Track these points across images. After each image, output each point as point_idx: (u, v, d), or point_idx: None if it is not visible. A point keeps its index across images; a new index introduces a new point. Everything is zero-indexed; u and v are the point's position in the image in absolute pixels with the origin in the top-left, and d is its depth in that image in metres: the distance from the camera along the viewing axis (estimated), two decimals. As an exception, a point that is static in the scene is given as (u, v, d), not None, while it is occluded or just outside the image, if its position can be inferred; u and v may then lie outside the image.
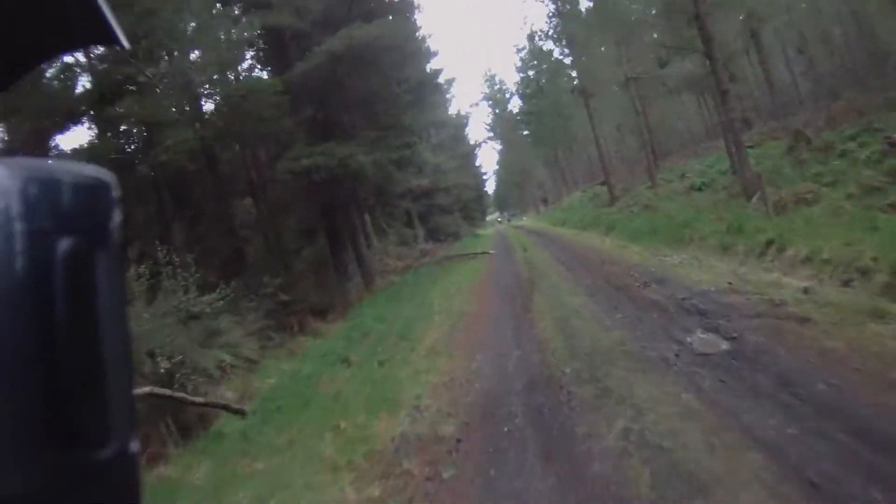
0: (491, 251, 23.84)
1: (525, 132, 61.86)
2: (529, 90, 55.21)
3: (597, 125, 42.27)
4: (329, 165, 15.28)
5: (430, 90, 21.27)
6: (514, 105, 64.18)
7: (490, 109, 66.74)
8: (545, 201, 63.03)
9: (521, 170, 67.59)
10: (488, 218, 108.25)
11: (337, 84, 16.65)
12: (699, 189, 17.40)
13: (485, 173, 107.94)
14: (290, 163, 15.77)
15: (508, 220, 68.60)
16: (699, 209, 14.61)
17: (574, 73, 36.29)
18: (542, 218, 49.51)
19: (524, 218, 66.30)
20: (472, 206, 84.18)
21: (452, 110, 52.73)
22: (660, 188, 20.76)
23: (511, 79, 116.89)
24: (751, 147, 17.05)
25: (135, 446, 0.42)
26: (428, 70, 21.28)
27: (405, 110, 18.49)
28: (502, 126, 65.00)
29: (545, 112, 52.60)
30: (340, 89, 16.90)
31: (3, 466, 0.36)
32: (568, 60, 37.86)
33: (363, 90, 16.98)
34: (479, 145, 58.15)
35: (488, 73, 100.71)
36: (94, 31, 0.67)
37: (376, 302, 16.27)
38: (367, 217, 29.76)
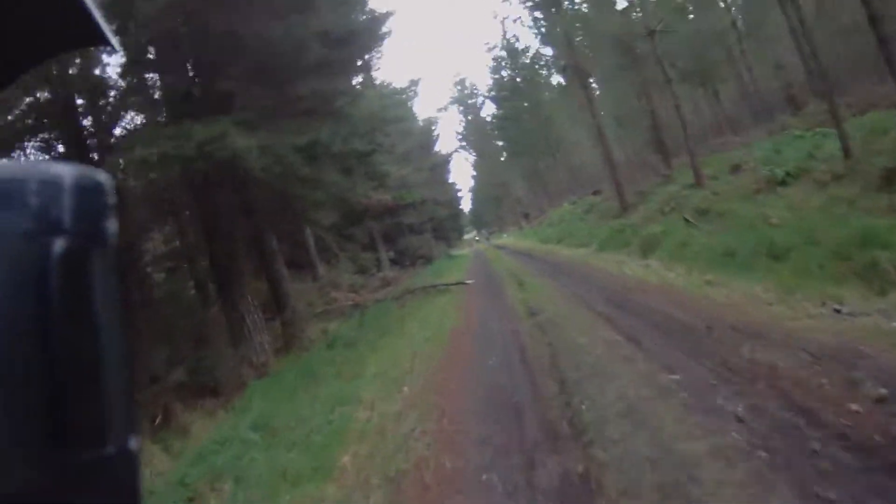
0: (468, 281, 17.46)
1: (500, 142, 55.95)
2: (504, 92, 49.33)
3: (594, 115, 36.51)
4: (183, 155, 8.84)
5: (367, 40, 14.78)
6: (488, 111, 58.41)
7: (461, 116, 60.78)
8: (526, 216, 57.01)
9: (497, 183, 61.54)
10: (466, 237, 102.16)
11: (212, 37, 10.33)
12: (782, 182, 11.25)
13: (459, 190, 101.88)
14: (124, 154, 9.36)
15: (487, 239, 62.41)
16: (831, 214, 8.33)
17: (556, 59, 30.41)
18: (525, 235, 43.33)
19: (504, 235, 60.24)
20: (446, 224, 78.27)
21: (419, 115, 46.56)
22: (709, 186, 14.54)
23: (483, 82, 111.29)
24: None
25: (134, 444, 0.42)
26: (363, 15, 14.63)
27: (327, 74, 12.02)
28: (475, 134, 59.05)
29: (523, 114, 46.71)
30: (221, 45, 10.56)
31: (2, 465, 0.37)
32: (549, 51, 31.98)
33: (254, 43, 10.55)
34: (449, 156, 51.96)
35: (458, 78, 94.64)
36: (85, 33, 0.68)
37: (280, 381, 9.81)
38: (309, 240, 23.24)
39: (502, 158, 59.79)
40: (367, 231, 32.99)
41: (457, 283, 16.64)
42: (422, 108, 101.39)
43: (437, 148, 50.72)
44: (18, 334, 0.37)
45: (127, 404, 0.42)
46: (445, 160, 50.30)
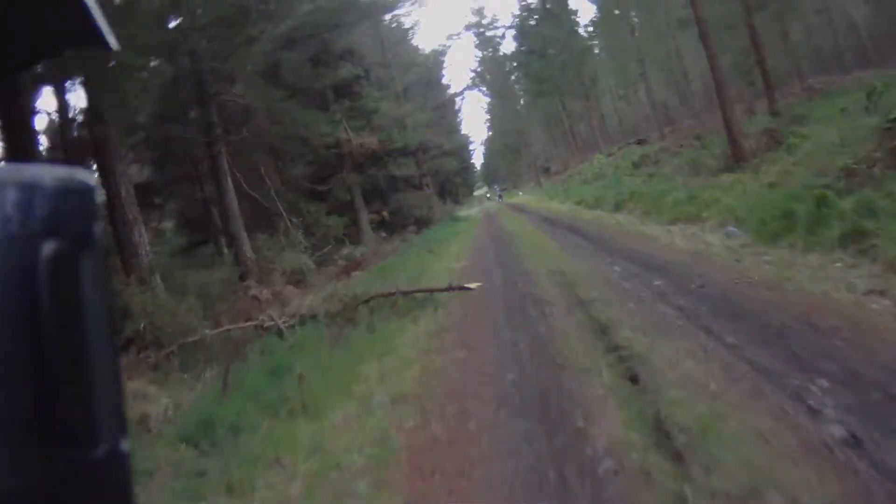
0: (471, 285, 9.42)
1: (521, 82, 47.49)
2: (532, 20, 40.77)
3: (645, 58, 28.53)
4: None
5: None
6: (509, 48, 49.74)
7: (477, 50, 52.01)
8: (546, 171, 48.91)
9: (515, 131, 53.19)
10: (475, 193, 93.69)
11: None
12: None
13: (472, 142, 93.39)
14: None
15: (500, 197, 54.45)
16: None
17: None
18: (547, 193, 35.32)
19: (520, 193, 52.28)
20: (454, 179, 70.45)
21: (421, 46, 38.14)
22: None
23: (505, 13, 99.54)
24: None
25: (125, 445, 0.43)
26: None
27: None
28: (493, 73, 50.51)
29: (551, 45, 38.24)
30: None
31: None
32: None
33: None
34: (459, 95, 43.64)
35: (476, 4, 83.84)
36: (84, 34, 0.67)
37: None
38: (232, 202, 15.45)
39: (521, 104, 51.36)
40: (348, 187, 25.34)
41: (448, 290, 8.91)
42: (427, 37, 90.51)
43: (445, 84, 42.62)
44: (8, 336, 0.38)
45: (117, 406, 0.43)
46: (454, 99, 42.10)
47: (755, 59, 16.90)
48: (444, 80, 43.13)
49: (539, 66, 39.98)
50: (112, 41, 0.69)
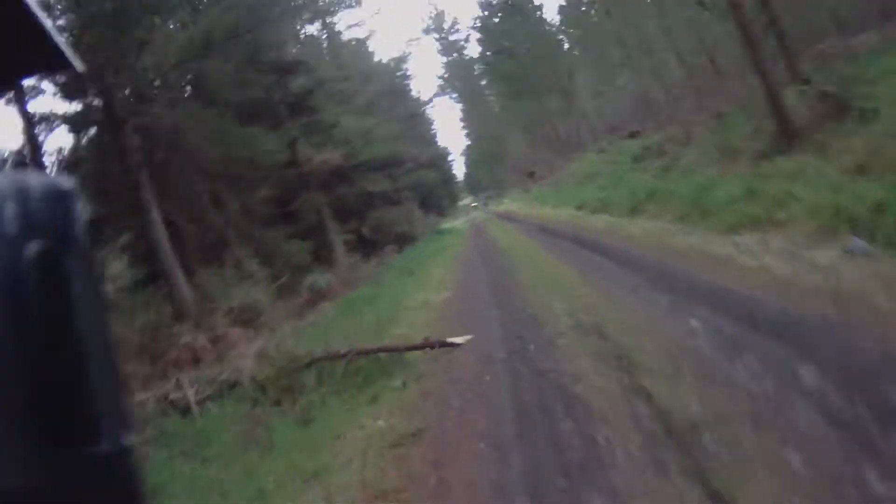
0: (458, 340, 6.59)
1: (491, 86, 45.05)
2: (495, 18, 38.37)
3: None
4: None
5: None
6: (474, 51, 47.28)
7: (441, 56, 49.43)
8: (532, 175, 46.36)
9: (493, 137, 50.65)
10: (460, 203, 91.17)
11: None
12: None
13: (450, 154, 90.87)
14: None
15: (486, 205, 51.90)
16: None
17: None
18: (536, 198, 32.66)
19: (506, 200, 49.72)
20: (436, 192, 67.89)
21: (381, 56, 35.45)
22: None
23: (465, 17, 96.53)
24: None
25: (129, 440, 0.43)
26: None
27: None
28: (461, 79, 47.99)
29: (520, 43, 35.84)
30: None
31: None
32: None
33: None
34: (429, 103, 41.03)
35: (433, 11, 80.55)
36: (47, 57, 0.69)
37: None
38: (159, 233, 12.68)
39: (496, 109, 48.87)
40: (316, 209, 22.61)
41: (425, 347, 6.15)
42: (385, 46, 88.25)
43: (413, 95, 40.04)
44: (2, 337, 0.38)
45: (119, 402, 0.43)
46: (424, 108, 39.58)
47: (767, 19, 14.33)
48: (412, 90, 40.59)
49: (509, 66, 37.55)
50: (77, 63, 0.63)
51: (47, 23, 0.63)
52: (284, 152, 16.81)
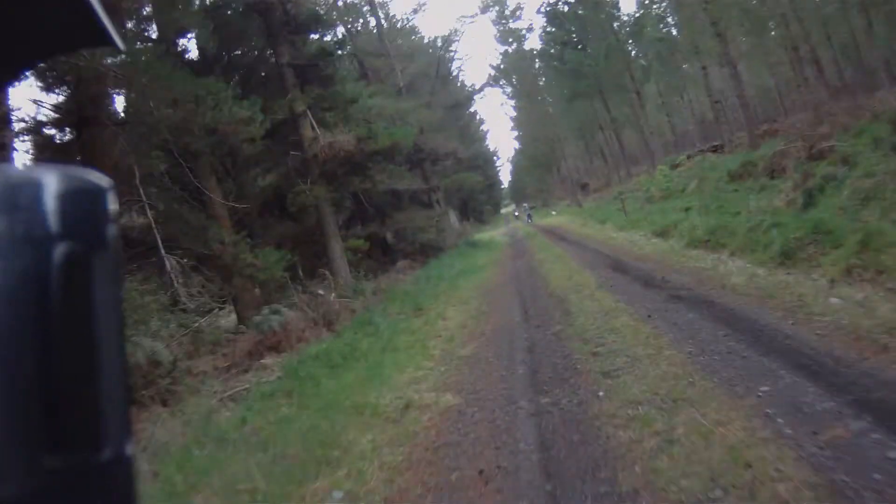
0: None
1: (552, 81, 39.85)
2: (567, 5, 33.29)
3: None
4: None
5: None
6: (535, 43, 41.98)
7: (498, 45, 44.16)
8: (584, 188, 41.08)
9: (545, 139, 45.37)
10: (503, 211, 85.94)
11: None
12: None
13: (497, 159, 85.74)
14: None
15: (529, 217, 46.68)
16: None
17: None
18: (590, 214, 27.27)
19: (553, 213, 44.45)
20: (478, 196, 63.06)
21: (427, 32, 30.50)
22: None
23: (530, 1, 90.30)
24: None
25: (130, 449, 0.43)
26: None
27: None
28: (518, 72, 42.84)
29: (591, 31, 30.74)
30: None
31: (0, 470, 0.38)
32: None
33: None
34: (479, 92, 35.95)
35: None
36: (89, 32, 0.68)
37: None
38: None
39: (551, 109, 43.62)
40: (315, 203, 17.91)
41: None
42: (433, 21, 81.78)
43: (460, 82, 35.08)
44: (17, 339, 0.38)
45: (123, 409, 0.43)
46: (471, 98, 34.58)
47: None
48: (459, 76, 35.63)
49: (576, 59, 32.42)
50: (119, 41, 0.63)
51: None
52: (261, 123, 12.03)
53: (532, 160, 54.04)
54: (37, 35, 0.66)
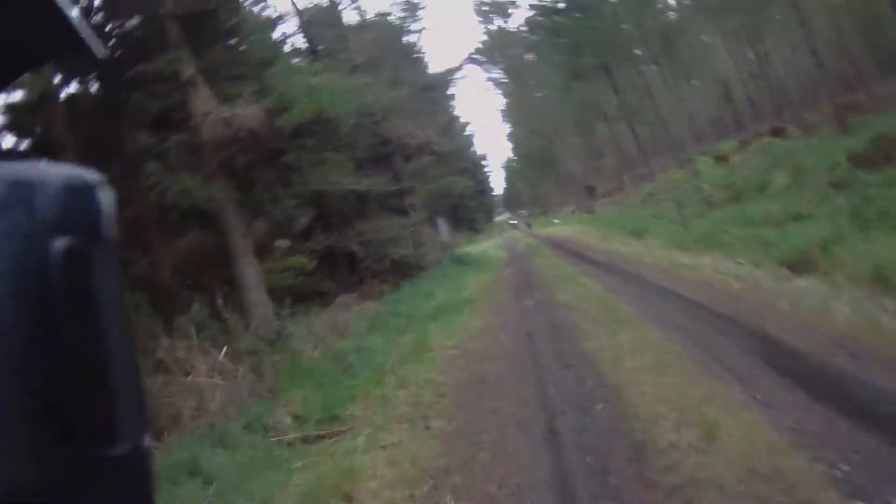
0: None
1: (544, 59, 33.68)
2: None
3: None
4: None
5: None
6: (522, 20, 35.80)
7: (481, 22, 37.80)
8: (591, 192, 35.00)
9: (540, 136, 39.12)
10: (496, 219, 79.67)
11: None
12: None
13: (486, 164, 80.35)
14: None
15: (528, 226, 40.79)
16: None
17: None
18: (607, 222, 20.96)
19: (555, 221, 38.41)
20: (468, 203, 56.73)
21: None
22: None
23: None
24: None
25: (147, 441, 0.43)
26: None
27: None
28: (505, 52, 36.61)
29: None
30: None
31: (15, 464, 0.38)
32: None
33: None
34: (458, 70, 29.58)
35: None
36: (69, 42, 0.70)
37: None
38: None
39: (544, 95, 37.28)
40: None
41: None
42: None
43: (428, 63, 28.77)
44: (25, 335, 0.38)
45: (138, 402, 0.43)
46: (446, 79, 28.36)
47: None
48: (426, 57, 29.28)
49: (572, 26, 26.42)
50: (98, 47, 0.66)
51: (71, 8, 0.61)
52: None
53: (527, 160, 47.87)
54: (18, 46, 0.67)
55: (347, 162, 14.85)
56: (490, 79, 40.14)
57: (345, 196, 21.61)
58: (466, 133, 48.17)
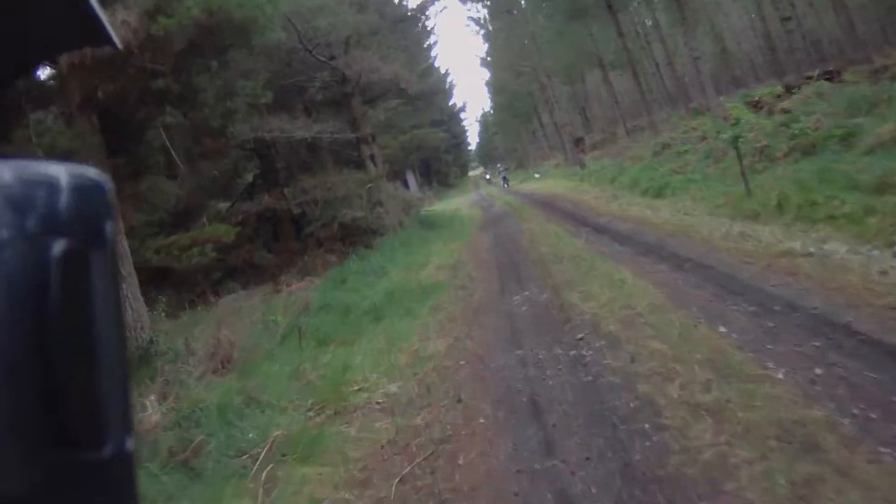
0: None
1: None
2: None
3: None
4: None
5: None
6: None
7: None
8: (579, 143, 31.05)
9: (526, 79, 34.75)
10: (470, 174, 75.58)
11: None
12: None
13: (464, 114, 76.78)
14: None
15: (504, 181, 36.86)
16: None
17: None
18: (617, 179, 17.04)
19: (536, 175, 34.42)
20: (442, 156, 53.25)
21: None
22: None
23: None
24: None
25: (131, 445, 0.43)
26: None
27: None
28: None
29: None
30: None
31: (1, 468, 0.37)
32: None
33: None
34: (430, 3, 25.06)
35: None
36: (89, 32, 0.68)
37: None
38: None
39: (529, 35, 32.90)
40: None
41: None
42: None
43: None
44: (17, 335, 0.37)
45: (124, 405, 0.43)
46: (423, 9, 23.83)
47: None
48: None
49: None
50: (116, 39, 0.65)
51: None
52: None
53: (508, 110, 43.54)
54: (41, 35, 0.66)
55: (265, 92, 10.63)
56: (471, 18, 35.42)
57: (293, 147, 17.58)
58: (443, 77, 43.74)
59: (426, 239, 15.74)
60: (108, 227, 0.42)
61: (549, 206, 16.95)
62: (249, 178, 19.15)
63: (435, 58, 33.70)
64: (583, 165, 24.03)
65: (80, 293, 0.39)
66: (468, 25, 47.31)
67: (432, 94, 30.50)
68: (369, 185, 17.23)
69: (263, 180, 18.00)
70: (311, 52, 16.04)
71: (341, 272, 12.98)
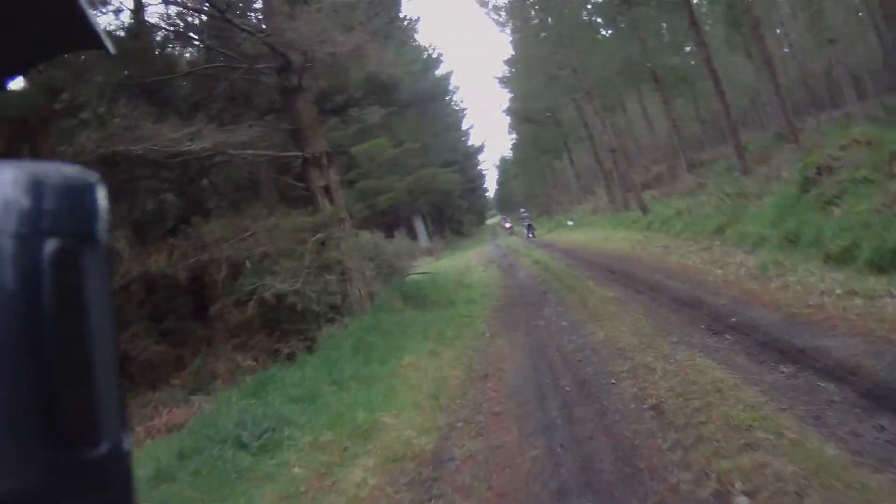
0: None
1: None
2: None
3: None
4: None
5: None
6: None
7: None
8: (626, 182, 24.17)
9: (554, 87, 27.83)
10: (488, 222, 68.95)
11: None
12: None
13: (481, 156, 70.93)
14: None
15: (530, 232, 29.93)
16: None
17: None
18: (735, 233, 10.15)
19: (569, 223, 27.46)
20: (456, 201, 46.66)
21: None
22: None
23: None
24: None
25: (127, 444, 0.43)
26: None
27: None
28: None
29: None
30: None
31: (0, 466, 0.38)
32: None
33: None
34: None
35: None
36: (80, 36, 0.69)
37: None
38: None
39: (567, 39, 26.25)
40: None
41: None
42: None
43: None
44: (12, 335, 0.37)
45: (119, 403, 0.43)
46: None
47: None
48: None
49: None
50: (109, 44, 0.66)
51: (83, 2, 0.60)
52: None
53: (535, 143, 36.73)
54: (30, 39, 0.66)
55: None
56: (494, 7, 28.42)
57: (189, 171, 11.08)
58: (446, 78, 37.32)
59: (404, 331, 8.90)
60: (100, 226, 0.42)
61: (621, 275, 9.89)
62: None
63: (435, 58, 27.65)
64: (644, 209, 17.13)
65: (74, 292, 0.39)
66: (486, 14, 40.41)
67: (430, 99, 24.01)
68: (319, 236, 10.45)
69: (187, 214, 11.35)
70: (223, 13, 9.58)
71: (255, 389, 6.42)
